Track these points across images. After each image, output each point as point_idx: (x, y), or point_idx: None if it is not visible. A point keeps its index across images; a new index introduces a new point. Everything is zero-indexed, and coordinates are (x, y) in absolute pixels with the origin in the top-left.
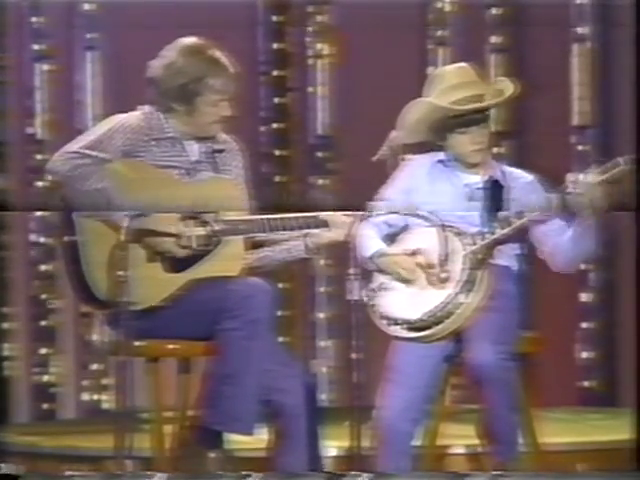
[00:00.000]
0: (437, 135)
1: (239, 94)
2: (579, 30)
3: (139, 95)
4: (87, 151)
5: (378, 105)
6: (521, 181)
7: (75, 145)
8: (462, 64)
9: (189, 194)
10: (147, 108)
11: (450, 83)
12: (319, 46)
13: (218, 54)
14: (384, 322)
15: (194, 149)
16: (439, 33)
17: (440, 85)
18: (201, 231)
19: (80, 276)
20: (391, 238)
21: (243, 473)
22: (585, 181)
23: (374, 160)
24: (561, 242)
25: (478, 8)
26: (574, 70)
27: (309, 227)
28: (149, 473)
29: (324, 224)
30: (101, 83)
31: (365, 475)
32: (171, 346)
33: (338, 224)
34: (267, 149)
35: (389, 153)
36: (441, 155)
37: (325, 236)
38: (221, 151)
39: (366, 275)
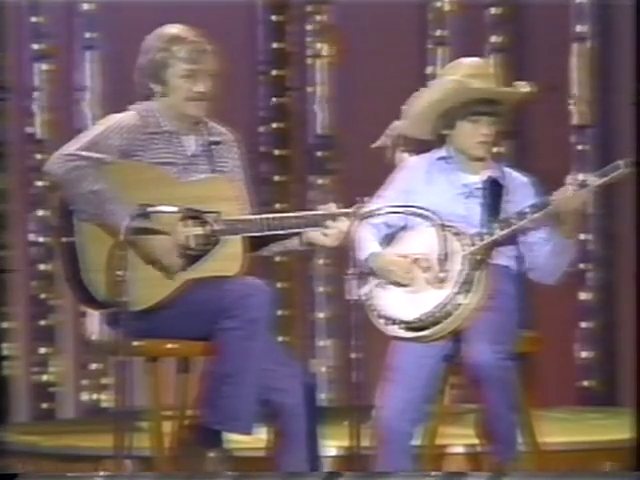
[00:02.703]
0: (446, 123)
1: (217, 72)
2: (579, 30)
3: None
4: (84, 153)
5: (378, 105)
6: (517, 182)
7: (72, 147)
8: (476, 58)
9: (186, 193)
10: (141, 105)
11: (468, 72)
12: (318, 46)
13: (182, 29)
14: (382, 322)
15: (191, 143)
16: (439, 33)
17: (458, 72)
18: (200, 231)
19: (78, 277)
20: (390, 238)
21: (242, 473)
22: (565, 190)
23: (373, 147)
24: (541, 254)
25: (478, 8)
26: (574, 70)
27: (308, 227)
28: (147, 473)
29: (323, 224)
30: (101, 83)
31: (364, 475)
32: (170, 346)
33: (337, 225)
34: (266, 149)
35: (389, 142)
36: (442, 152)
37: (320, 239)
38: (217, 143)
39: (364, 275)
